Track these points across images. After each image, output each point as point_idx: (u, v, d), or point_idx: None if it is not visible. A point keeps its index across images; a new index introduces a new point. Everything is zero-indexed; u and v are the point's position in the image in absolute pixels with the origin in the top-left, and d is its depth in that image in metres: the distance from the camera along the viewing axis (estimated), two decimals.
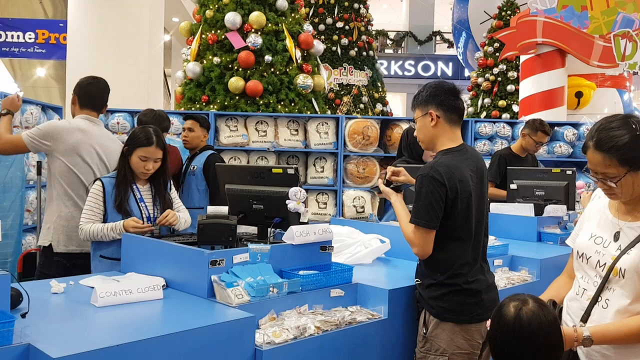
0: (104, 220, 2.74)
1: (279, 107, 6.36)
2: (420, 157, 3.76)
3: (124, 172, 2.78)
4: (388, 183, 2.48)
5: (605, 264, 1.78)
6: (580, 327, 1.73)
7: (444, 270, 2.21)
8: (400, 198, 2.41)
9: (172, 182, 3.05)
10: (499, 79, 9.98)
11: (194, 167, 4.11)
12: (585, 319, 1.80)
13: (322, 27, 11.42)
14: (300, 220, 2.48)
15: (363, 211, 5.80)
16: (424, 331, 2.24)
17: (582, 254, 1.88)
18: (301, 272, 2.25)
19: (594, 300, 1.79)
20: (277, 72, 6.42)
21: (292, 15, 6.85)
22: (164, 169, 2.86)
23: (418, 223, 2.17)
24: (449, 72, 18.43)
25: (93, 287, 2.02)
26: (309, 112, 6.48)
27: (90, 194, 2.77)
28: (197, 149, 4.24)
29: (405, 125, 5.90)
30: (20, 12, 12.38)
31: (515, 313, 1.63)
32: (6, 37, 11.12)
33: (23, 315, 1.74)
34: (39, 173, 3.82)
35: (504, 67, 9.88)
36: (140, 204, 2.79)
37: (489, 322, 1.71)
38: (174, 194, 3.00)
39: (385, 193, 2.46)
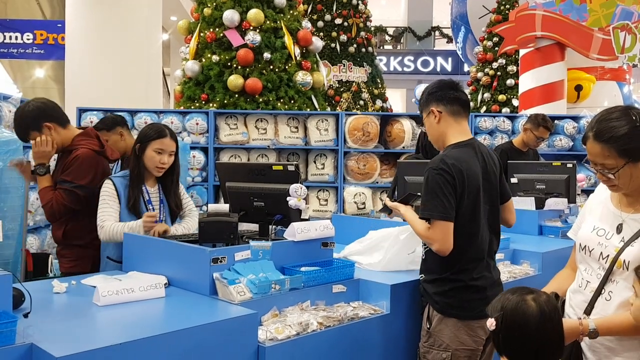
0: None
1: (279, 104, 6.35)
2: None
3: (138, 171, 2.76)
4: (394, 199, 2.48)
5: (608, 256, 1.78)
6: (585, 320, 1.72)
7: (451, 266, 2.19)
8: (409, 208, 2.40)
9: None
10: (499, 73, 9.97)
11: None
12: (588, 311, 1.79)
13: (320, 23, 11.39)
14: (302, 217, 2.48)
15: (364, 207, 5.80)
16: (428, 326, 2.24)
17: (585, 246, 1.87)
18: (303, 269, 2.24)
19: (598, 292, 1.79)
20: (276, 70, 6.41)
21: (291, 12, 6.84)
22: (174, 166, 2.84)
23: (433, 216, 2.13)
24: (449, 67, 18.42)
25: (95, 287, 2.02)
26: (308, 109, 6.47)
27: (105, 193, 2.72)
28: (129, 150, 3.39)
29: (405, 121, 5.89)
30: (18, 13, 12.38)
31: (538, 307, 1.59)
32: (4, 39, 11.13)
33: (25, 315, 1.73)
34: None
35: (504, 61, 9.87)
36: (147, 206, 2.77)
37: (490, 322, 1.64)
38: (185, 196, 2.97)
39: (393, 208, 2.46)
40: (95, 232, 2.93)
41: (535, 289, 1.69)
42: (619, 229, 1.79)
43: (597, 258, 1.81)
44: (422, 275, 2.32)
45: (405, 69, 18.72)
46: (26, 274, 3.11)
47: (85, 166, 2.83)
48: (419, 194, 2.48)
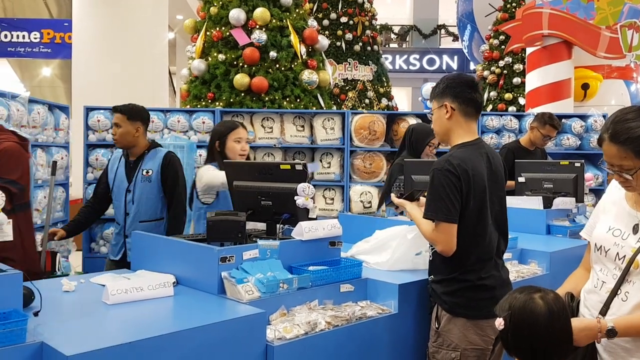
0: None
1: (285, 103, 6.35)
2: (419, 155, 3.75)
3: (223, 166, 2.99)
4: (400, 195, 2.48)
5: (624, 256, 1.76)
6: (603, 319, 1.70)
7: (458, 267, 2.19)
8: (415, 205, 2.39)
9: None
10: (505, 71, 9.93)
11: (147, 172, 3.39)
12: (604, 311, 1.78)
13: (326, 22, 11.39)
14: (309, 216, 2.48)
15: (370, 206, 5.80)
16: (437, 326, 2.23)
17: (601, 246, 1.86)
18: (311, 268, 2.24)
19: (614, 293, 1.77)
20: (282, 68, 6.41)
21: (297, 11, 6.83)
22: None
23: (437, 218, 2.13)
24: (454, 65, 18.37)
25: (104, 285, 2.03)
26: (314, 108, 6.47)
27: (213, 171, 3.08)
28: (136, 148, 3.46)
29: (411, 120, 5.88)
30: (25, 12, 12.44)
31: (546, 305, 1.59)
32: (12, 37, 11.18)
33: (36, 314, 1.75)
34: (53, 173, 3.74)
35: (510, 59, 9.84)
36: None
37: (498, 322, 1.64)
38: None
39: (400, 204, 2.46)
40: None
41: (542, 287, 1.68)
42: (635, 230, 1.78)
43: (613, 258, 1.80)
44: (432, 276, 2.32)
45: (411, 68, 18.68)
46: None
47: (14, 160, 2.66)
48: (423, 189, 2.48)
